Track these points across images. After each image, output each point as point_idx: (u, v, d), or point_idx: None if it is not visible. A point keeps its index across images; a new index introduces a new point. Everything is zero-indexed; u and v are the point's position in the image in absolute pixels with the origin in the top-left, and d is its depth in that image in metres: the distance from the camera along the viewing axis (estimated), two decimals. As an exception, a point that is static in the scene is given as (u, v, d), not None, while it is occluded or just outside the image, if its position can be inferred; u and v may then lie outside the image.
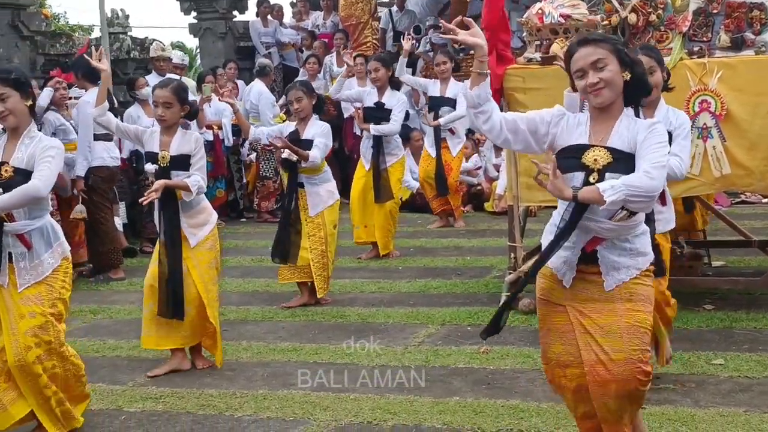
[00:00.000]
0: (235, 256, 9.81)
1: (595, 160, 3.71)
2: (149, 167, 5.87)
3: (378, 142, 9.18)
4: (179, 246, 5.83)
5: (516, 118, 3.93)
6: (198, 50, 25.80)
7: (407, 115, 10.20)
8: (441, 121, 10.11)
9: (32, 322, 4.64)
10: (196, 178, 5.75)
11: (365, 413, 5.06)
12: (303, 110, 7.30)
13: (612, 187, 3.54)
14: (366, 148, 9.34)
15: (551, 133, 3.86)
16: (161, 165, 5.81)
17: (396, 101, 9.26)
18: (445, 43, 12.44)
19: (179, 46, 29.10)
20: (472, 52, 3.90)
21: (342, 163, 13.41)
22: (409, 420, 4.93)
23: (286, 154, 7.14)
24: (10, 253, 4.70)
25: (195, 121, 9.32)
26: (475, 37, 3.83)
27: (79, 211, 8.92)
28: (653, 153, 3.63)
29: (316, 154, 7.11)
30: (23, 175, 4.59)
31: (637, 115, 3.92)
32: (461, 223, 10.81)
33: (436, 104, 10.24)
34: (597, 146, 3.74)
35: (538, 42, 6.84)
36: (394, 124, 9.14)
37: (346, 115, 13.19)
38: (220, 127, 11.72)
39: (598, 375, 3.78)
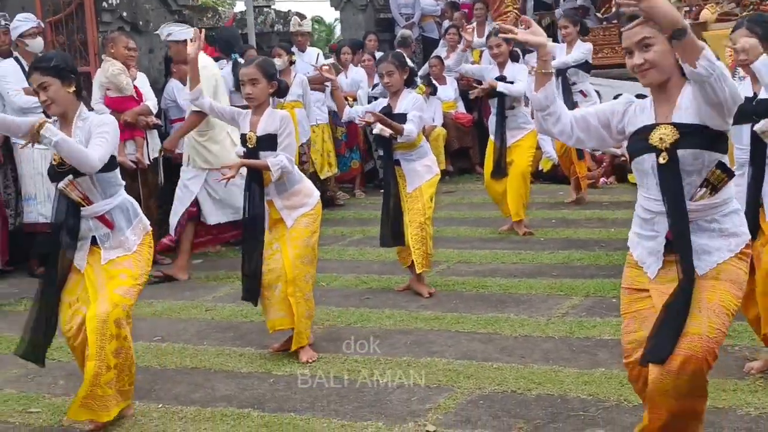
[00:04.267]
0: (375, 226, 9.86)
1: (661, 138, 3.54)
2: (238, 149, 5.79)
3: (501, 116, 9.03)
4: (261, 229, 5.75)
5: (585, 115, 3.80)
6: (338, 23, 26.04)
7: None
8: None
9: (123, 282, 4.71)
10: (280, 158, 5.58)
11: (509, 382, 5.06)
12: (394, 84, 6.97)
13: None
14: (493, 123, 9.17)
15: (623, 122, 3.73)
16: (248, 146, 5.71)
17: (518, 71, 9.06)
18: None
19: (318, 21, 29.43)
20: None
21: (482, 133, 13.36)
22: (553, 390, 4.91)
23: (377, 129, 6.82)
24: (94, 237, 4.80)
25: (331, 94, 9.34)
26: (537, 35, 3.72)
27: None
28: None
29: (411, 128, 6.83)
30: None
31: None
32: (579, 195, 10.59)
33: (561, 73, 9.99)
34: (662, 124, 3.57)
35: (687, 8, 6.68)
36: (519, 84, 8.92)
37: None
38: (355, 99, 11.81)
39: None
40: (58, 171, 4.65)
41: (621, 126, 3.75)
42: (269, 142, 5.66)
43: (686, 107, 3.55)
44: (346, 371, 5.45)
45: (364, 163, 12.53)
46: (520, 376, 5.14)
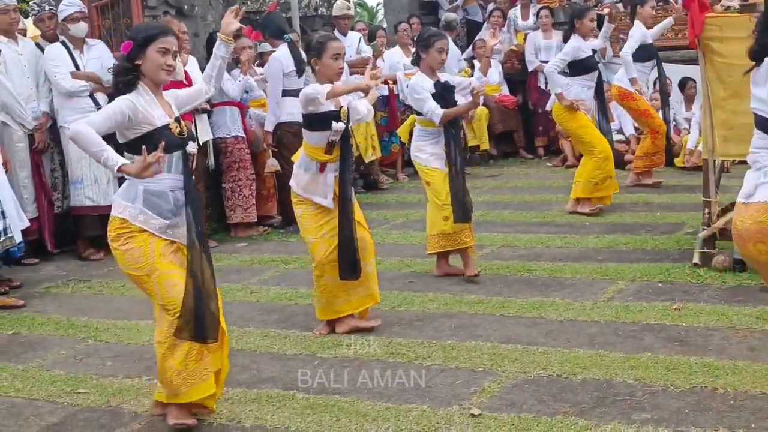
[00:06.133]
0: (419, 210, 9.86)
1: None
2: (338, 125, 5.73)
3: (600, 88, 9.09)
4: (352, 206, 5.79)
5: None
6: (380, 6, 25.98)
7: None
8: None
9: None
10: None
11: (554, 366, 5.04)
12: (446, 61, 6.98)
13: None
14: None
15: None
16: (344, 121, 5.76)
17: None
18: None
19: (360, 4, 29.43)
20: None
21: (526, 116, 13.31)
22: (599, 374, 4.88)
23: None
24: None
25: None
26: None
27: (272, 164, 9.22)
28: None
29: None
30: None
31: None
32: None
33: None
34: None
35: (739, -13, 6.56)
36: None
37: (530, 69, 13.04)
38: (395, 81, 11.77)
39: None
40: (179, 137, 4.51)
41: None
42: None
43: None
44: (390, 354, 5.45)
45: (408, 148, 12.48)
46: (565, 361, 5.11)
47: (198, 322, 4.37)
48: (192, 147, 4.60)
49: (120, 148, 4.44)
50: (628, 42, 9.57)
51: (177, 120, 4.55)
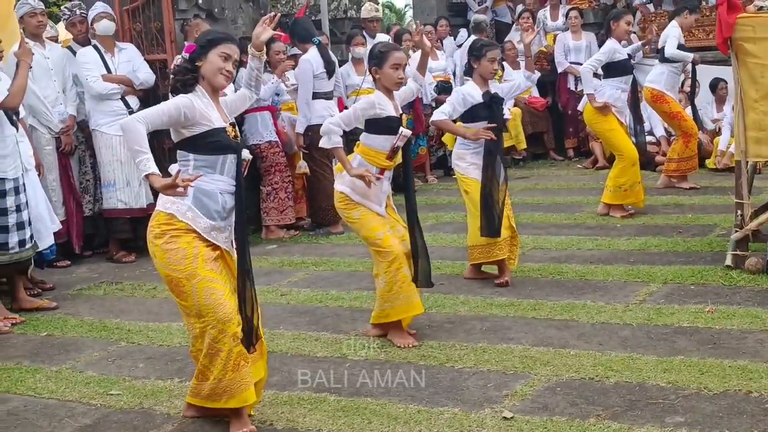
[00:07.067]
0: (449, 212, 9.88)
1: None
2: (406, 131, 5.75)
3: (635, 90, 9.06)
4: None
5: None
6: (408, 8, 25.98)
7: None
8: None
9: None
10: None
11: (587, 369, 5.01)
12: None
13: None
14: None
15: None
16: (406, 126, 5.81)
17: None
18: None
19: (388, 6, 29.45)
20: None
21: (556, 118, 13.27)
22: (632, 377, 4.85)
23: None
24: None
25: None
26: None
27: (302, 166, 9.26)
28: None
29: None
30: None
31: None
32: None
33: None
34: None
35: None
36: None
37: (560, 70, 13.00)
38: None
39: None
40: (234, 141, 4.55)
41: None
42: None
43: None
44: (421, 357, 5.45)
45: (434, 150, 12.47)
46: (597, 363, 5.08)
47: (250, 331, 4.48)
48: (246, 154, 4.63)
49: (174, 148, 4.51)
50: (667, 46, 9.54)
51: (232, 125, 4.59)
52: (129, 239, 8.90)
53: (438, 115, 6.81)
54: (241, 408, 4.52)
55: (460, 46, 12.96)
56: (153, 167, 4.23)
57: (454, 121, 6.89)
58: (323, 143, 5.75)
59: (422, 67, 6.12)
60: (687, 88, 10.78)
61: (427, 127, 11.64)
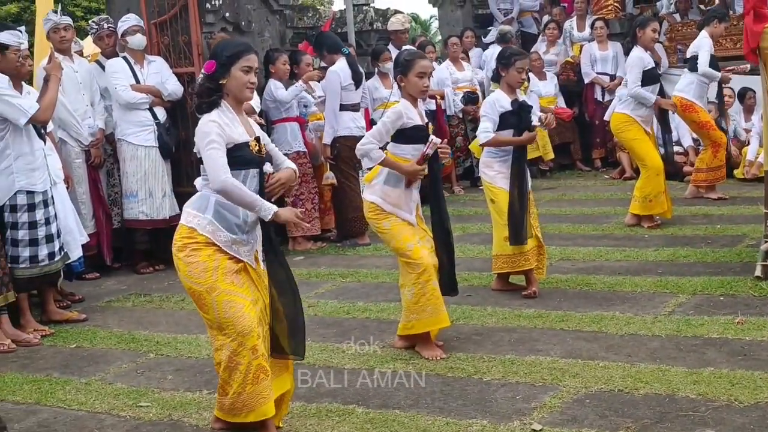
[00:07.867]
0: (476, 223, 9.86)
1: None
2: (436, 139, 5.75)
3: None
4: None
5: None
6: (433, 20, 25.97)
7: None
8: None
9: None
10: None
11: (616, 381, 4.98)
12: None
13: None
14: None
15: None
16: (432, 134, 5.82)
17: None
18: None
19: (414, 18, 29.48)
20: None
21: (583, 128, 13.22)
22: (661, 389, 4.82)
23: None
24: None
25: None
26: None
27: (330, 177, 9.27)
28: None
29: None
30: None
31: None
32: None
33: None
34: None
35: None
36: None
37: (586, 81, 12.96)
38: (442, 97, 11.74)
39: None
40: (258, 156, 4.56)
41: None
42: None
43: None
44: (449, 369, 5.44)
45: (461, 161, 12.43)
46: (627, 375, 5.06)
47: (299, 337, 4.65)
48: (268, 167, 4.64)
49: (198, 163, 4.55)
50: (700, 58, 9.50)
51: (257, 139, 4.59)
52: (148, 250, 8.96)
53: (484, 137, 6.77)
54: (269, 420, 4.52)
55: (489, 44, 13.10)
56: (272, 206, 4.40)
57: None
58: (366, 164, 5.79)
59: None
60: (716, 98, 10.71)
61: (453, 138, 11.65)
